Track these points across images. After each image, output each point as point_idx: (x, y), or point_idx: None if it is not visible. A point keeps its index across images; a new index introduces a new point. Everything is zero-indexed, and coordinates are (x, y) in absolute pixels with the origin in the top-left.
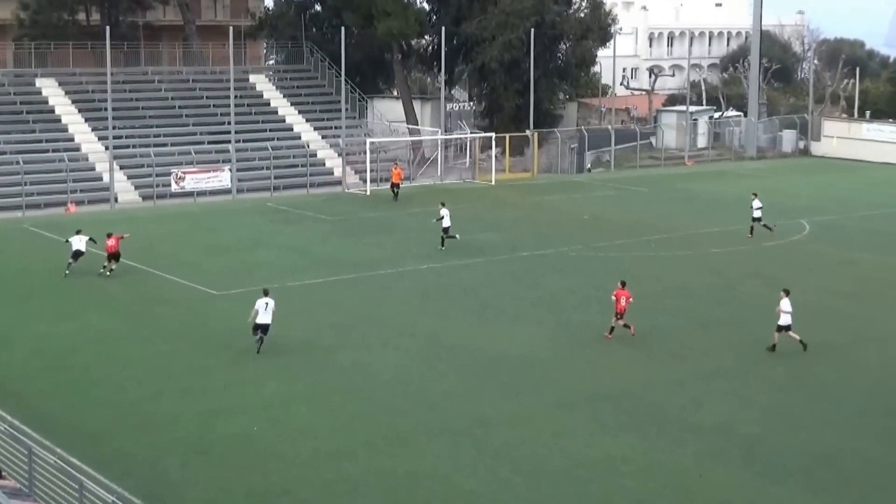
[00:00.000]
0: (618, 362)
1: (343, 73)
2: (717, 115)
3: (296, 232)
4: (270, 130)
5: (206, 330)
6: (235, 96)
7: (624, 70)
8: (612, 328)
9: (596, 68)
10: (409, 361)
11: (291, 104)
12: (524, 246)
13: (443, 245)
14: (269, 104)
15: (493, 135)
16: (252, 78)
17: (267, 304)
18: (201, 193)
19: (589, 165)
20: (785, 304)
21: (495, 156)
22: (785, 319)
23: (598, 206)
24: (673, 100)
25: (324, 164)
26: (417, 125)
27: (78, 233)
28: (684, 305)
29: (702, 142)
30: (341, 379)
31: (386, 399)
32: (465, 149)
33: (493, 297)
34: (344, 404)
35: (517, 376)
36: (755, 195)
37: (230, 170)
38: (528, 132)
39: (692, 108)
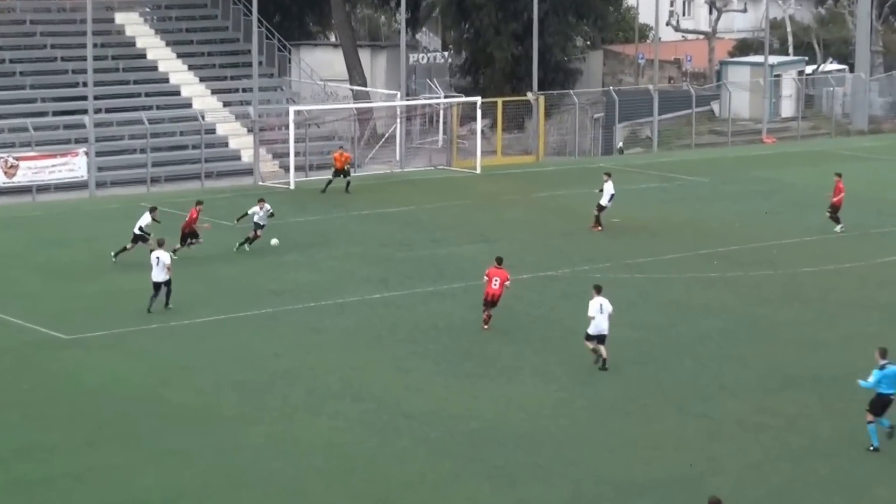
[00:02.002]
0: (663, 435)
1: (255, 9)
2: (809, 69)
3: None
4: (147, 95)
5: (50, 392)
6: (95, 45)
7: (672, 4)
8: (488, 317)
9: (631, 1)
10: (354, 438)
11: (178, 56)
12: (525, 264)
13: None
14: (144, 56)
15: (478, 100)
16: (119, 17)
17: (158, 258)
18: (43, 189)
19: (621, 144)
20: None
21: (482, 131)
22: None
23: (634, 204)
24: (745, 47)
25: (226, 145)
26: (366, 86)
27: None
28: (762, 352)
29: (787, 109)
30: (251, 464)
31: (318, 495)
32: (438, 121)
33: (479, 340)
34: None
35: (514, 459)
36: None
37: (86, 154)
38: (529, 95)
39: (773, 60)
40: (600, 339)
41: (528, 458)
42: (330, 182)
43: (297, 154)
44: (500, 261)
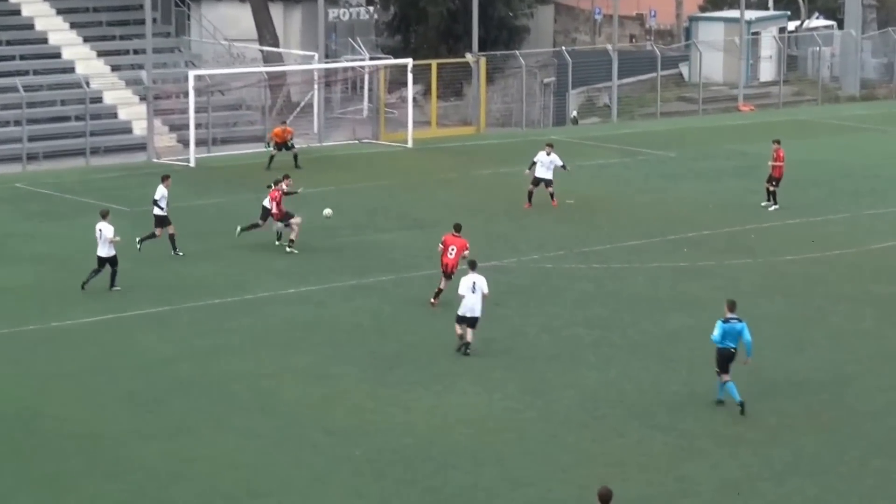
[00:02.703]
0: (625, 451)
1: None
2: (792, 26)
3: (66, 234)
4: (22, 58)
5: None
6: None
7: None
8: (439, 291)
9: None
10: (265, 457)
11: (58, 13)
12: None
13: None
14: (19, 13)
15: (409, 62)
16: None
17: (101, 231)
18: None
19: (575, 113)
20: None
21: (414, 99)
22: None
23: (590, 182)
24: (718, 1)
25: (115, 116)
26: (278, 47)
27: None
28: (739, 353)
29: (767, 72)
30: (145, 488)
31: None
32: (362, 87)
33: (411, 342)
34: None
35: (453, 480)
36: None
37: None
38: (469, 57)
39: (750, 15)
40: (471, 322)
41: (469, 479)
42: (273, 157)
43: (198, 126)
44: (458, 228)
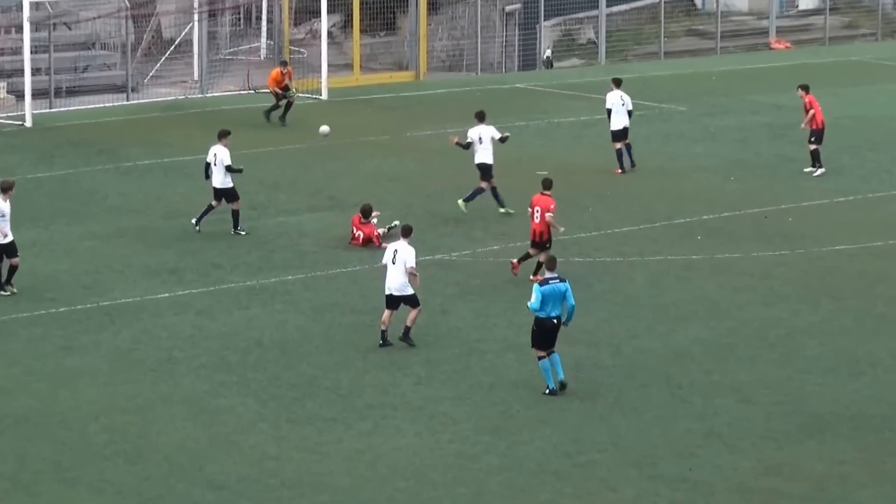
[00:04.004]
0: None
1: None
2: None
3: None
4: None
5: None
6: None
7: None
8: (525, 256)
9: None
10: None
11: None
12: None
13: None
14: None
15: None
16: None
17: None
18: None
19: (548, 53)
20: None
21: (329, 34)
22: None
23: (570, 147)
24: None
25: None
26: None
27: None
28: (773, 378)
29: None
30: None
31: None
32: (260, 19)
33: (328, 364)
34: None
35: None
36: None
37: None
38: None
39: None
40: (406, 301)
41: None
42: (287, 106)
43: (35, 72)
44: (547, 185)
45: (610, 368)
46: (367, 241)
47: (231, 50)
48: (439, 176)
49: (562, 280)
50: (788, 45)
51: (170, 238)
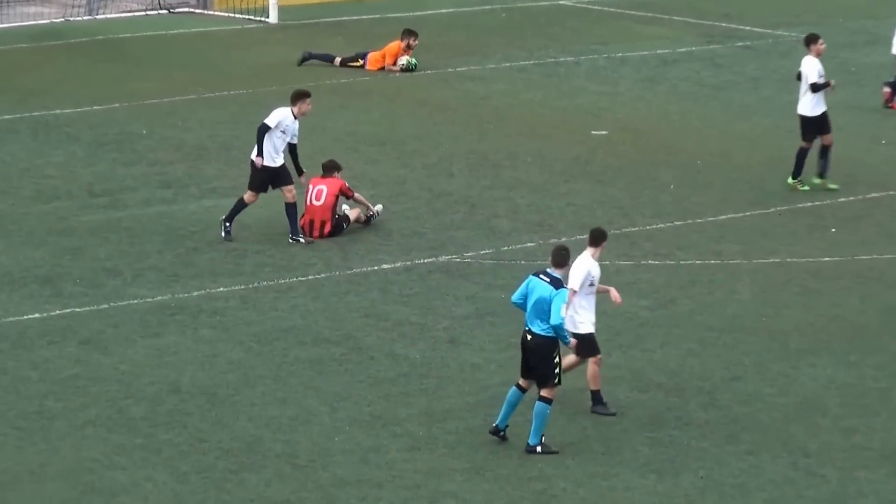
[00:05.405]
0: None
1: None
2: None
3: None
4: None
5: None
6: None
7: None
8: None
9: None
10: None
11: None
12: (370, 240)
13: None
14: None
15: None
16: None
17: None
18: None
19: None
20: None
21: None
22: None
23: (641, 96)
24: None
25: None
26: None
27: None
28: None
29: None
30: None
31: None
32: None
33: (277, 417)
34: None
35: None
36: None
37: None
38: None
39: None
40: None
41: None
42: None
43: None
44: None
45: (702, 426)
46: (336, 218)
47: None
48: (444, 137)
49: (558, 284)
50: None
51: (41, 230)
